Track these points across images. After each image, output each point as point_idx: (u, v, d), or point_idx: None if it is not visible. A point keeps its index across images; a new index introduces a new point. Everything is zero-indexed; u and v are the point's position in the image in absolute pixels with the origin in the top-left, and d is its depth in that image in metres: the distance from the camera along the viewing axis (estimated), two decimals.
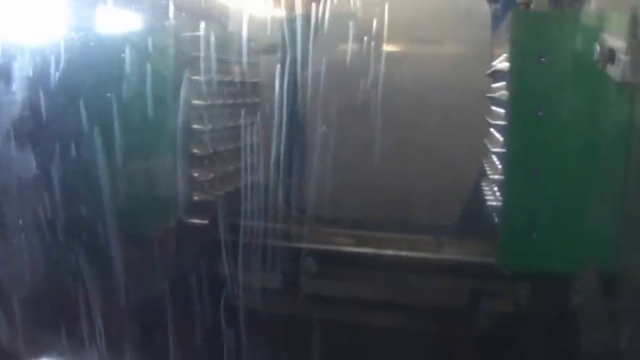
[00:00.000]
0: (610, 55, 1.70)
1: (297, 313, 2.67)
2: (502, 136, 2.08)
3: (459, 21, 2.79)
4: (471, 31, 2.76)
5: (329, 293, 2.76)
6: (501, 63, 2.08)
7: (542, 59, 1.84)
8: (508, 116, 1.96)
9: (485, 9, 2.65)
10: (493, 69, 2.27)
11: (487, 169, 2.32)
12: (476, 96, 2.62)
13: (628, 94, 1.72)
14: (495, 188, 2.17)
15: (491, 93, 2.35)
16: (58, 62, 2.15)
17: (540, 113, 1.86)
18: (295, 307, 2.75)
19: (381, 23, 2.77)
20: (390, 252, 2.62)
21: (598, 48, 1.73)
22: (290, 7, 2.80)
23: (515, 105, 1.92)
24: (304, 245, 2.65)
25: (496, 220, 2.10)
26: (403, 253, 2.60)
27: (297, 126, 2.89)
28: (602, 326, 1.80)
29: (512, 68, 1.91)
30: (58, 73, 2.15)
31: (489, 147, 2.27)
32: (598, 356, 1.81)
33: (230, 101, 2.51)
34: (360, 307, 2.78)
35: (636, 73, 1.65)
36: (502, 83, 2.11)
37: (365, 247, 2.67)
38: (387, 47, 2.93)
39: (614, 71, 1.70)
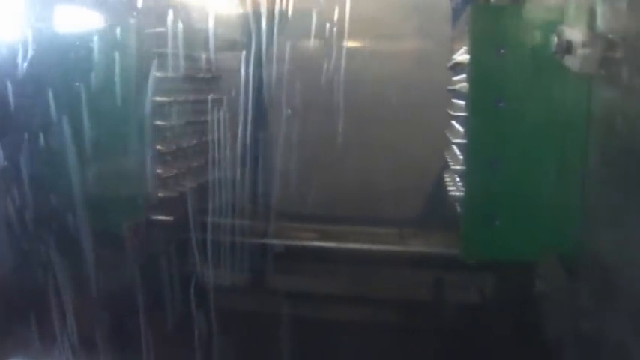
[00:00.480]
0: (568, 47, 1.73)
1: (263, 309, 2.67)
2: (463, 127, 2.11)
3: (420, 15, 2.82)
4: (432, 26, 2.79)
5: (295, 288, 2.76)
6: (462, 56, 2.11)
7: (502, 51, 1.87)
8: (468, 107, 1.99)
9: (446, 3, 2.68)
10: (454, 62, 2.30)
11: (449, 160, 2.35)
12: (438, 90, 2.65)
13: (585, 85, 1.76)
14: (457, 179, 2.20)
15: (452, 85, 2.38)
16: (16, 59, 2.11)
17: (500, 104, 1.89)
18: (261, 303, 2.74)
19: (343, 19, 2.78)
20: (354, 245, 2.64)
21: (556, 40, 1.76)
22: (252, 3, 2.80)
23: (476, 96, 1.95)
24: (268, 241, 2.65)
25: (459, 210, 2.14)
26: (367, 247, 2.62)
27: (259, 122, 2.89)
28: (565, 311, 1.84)
29: (472, 60, 1.94)
30: (16, 71, 2.11)
31: (451, 138, 2.30)
32: (562, 340, 1.85)
33: (192, 97, 2.48)
34: (326, 302, 2.79)
35: (593, 64, 1.69)
36: (463, 75, 2.15)
37: (329, 241, 2.68)
38: (350, 43, 2.94)
39: (572, 62, 1.73)
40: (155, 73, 2.19)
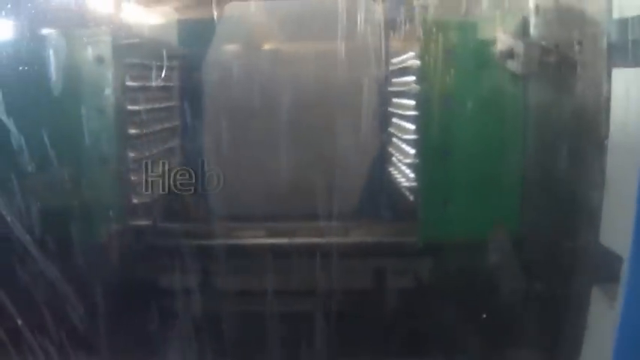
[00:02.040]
0: (510, 53, 2.04)
1: (215, 310, 2.73)
2: (413, 124, 2.35)
3: (352, 19, 2.99)
4: (364, 29, 2.98)
5: (246, 287, 2.83)
6: (410, 60, 2.35)
7: (450, 57, 2.14)
8: (420, 106, 2.24)
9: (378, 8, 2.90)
10: (401, 65, 2.53)
11: (397, 154, 2.58)
12: (369, 89, 2.87)
13: (524, 85, 2.08)
14: (408, 171, 2.44)
15: (394, 87, 2.61)
16: None
17: (449, 102, 2.16)
18: (213, 304, 2.80)
19: (276, 25, 2.95)
20: (300, 240, 2.77)
21: (499, 46, 2.07)
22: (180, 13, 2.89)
23: (427, 97, 2.21)
24: (218, 242, 2.73)
25: (412, 199, 2.38)
26: (314, 241, 2.76)
27: (202, 125, 2.98)
28: (512, 281, 2.13)
29: (423, 65, 2.19)
30: None
31: (400, 135, 2.53)
32: (509, 304, 2.13)
33: (150, 106, 2.53)
34: (277, 297, 2.89)
35: (532, 67, 2.01)
36: (408, 78, 2.39)
37: (277, 238, 2.80)
38: (280, 46, 3.08)
39: (514, 65, 2.05)
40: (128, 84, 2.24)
